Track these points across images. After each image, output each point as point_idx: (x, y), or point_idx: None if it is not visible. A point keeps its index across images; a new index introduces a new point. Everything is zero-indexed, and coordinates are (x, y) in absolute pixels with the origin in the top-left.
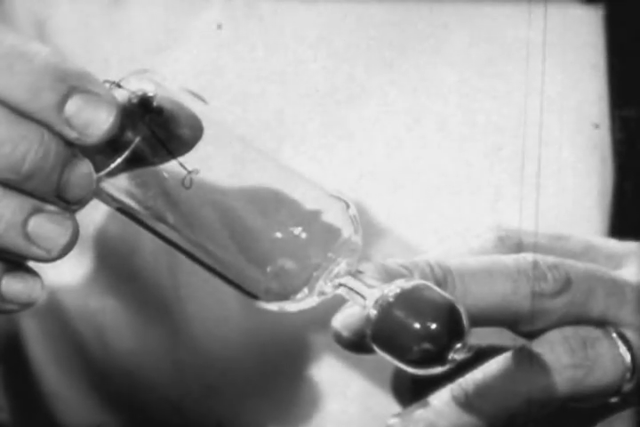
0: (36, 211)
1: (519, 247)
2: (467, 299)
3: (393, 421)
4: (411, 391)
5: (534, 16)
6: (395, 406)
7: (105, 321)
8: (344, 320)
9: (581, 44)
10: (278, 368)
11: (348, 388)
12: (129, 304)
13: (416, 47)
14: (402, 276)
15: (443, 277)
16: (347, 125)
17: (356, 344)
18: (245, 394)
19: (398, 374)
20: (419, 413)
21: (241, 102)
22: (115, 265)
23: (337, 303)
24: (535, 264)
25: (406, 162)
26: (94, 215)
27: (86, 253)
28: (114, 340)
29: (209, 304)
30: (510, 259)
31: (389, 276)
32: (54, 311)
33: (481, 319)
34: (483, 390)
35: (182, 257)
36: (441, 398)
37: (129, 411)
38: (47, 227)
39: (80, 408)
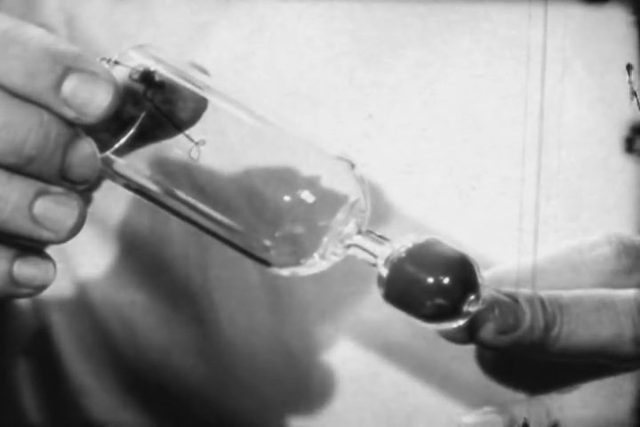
0: (42, 193)
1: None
2: (571, 340)
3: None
4: (495, 363)
5: (534, 16)
6: (423, 402)
7: (133, 315)
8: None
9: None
10: (303, 362)
11: (376, 382)
12: (158, 298)
13: (416, 47)
14: (511, 305)
15: (553, 315)
16: (345, 126)
17: None
18: (275, 389)
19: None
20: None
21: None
22: (144, 259)
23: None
24: None
25: (404, 160)
26: (122, 208)
27: (115, 247)
28: (143, 334)
29: (238, 298)
30: (621, 300)
31: (498, 305)
32: (83, 306)
33: (579, 357)
34: None
35: (212, 251)
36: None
37: (157, 404)
38: (53, 208)
39: (109, 403)
